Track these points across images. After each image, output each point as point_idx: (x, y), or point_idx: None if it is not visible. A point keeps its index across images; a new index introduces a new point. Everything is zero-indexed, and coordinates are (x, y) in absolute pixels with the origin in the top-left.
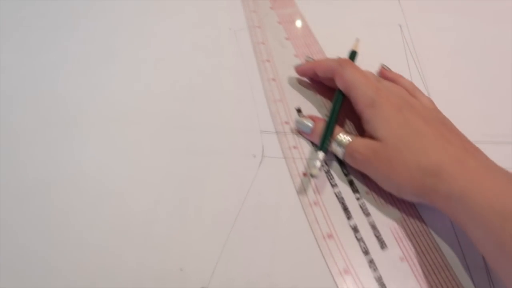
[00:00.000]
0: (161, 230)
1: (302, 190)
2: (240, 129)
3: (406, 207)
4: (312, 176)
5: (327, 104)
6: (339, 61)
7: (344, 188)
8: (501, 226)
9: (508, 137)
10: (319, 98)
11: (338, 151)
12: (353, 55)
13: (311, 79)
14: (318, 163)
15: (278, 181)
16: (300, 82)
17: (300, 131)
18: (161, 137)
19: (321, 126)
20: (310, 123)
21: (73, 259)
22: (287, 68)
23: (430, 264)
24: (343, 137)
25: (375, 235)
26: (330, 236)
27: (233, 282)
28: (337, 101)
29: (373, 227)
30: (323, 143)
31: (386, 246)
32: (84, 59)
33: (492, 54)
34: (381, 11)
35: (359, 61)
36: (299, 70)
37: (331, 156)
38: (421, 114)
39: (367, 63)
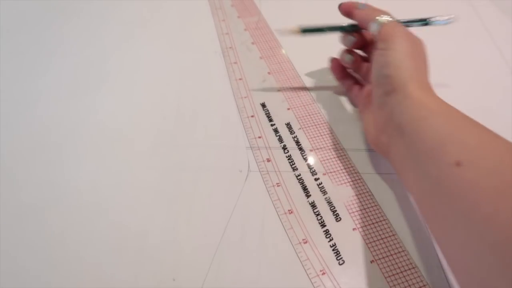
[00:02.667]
0: (154, 243)
1: (266, 173)
2: (227, 145)
3: (359, 185)
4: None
5: (289, 100)
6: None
7: (303, 171)
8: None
9: None
10: (281, 94)
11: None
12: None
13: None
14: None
15: (263, 193)
16: (264, 80)
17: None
18: (152, 155)
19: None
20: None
21: (69, 274)
22: (252, 68)
23: (379, 232)
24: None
25: (331, 209)
26: (290, 211)
27: None
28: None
29: (329, 203)
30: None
31: (340, 218)
32: (76, 83)
33: (459, 68)
34: None
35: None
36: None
37: (293, 144)
38: None
39: None
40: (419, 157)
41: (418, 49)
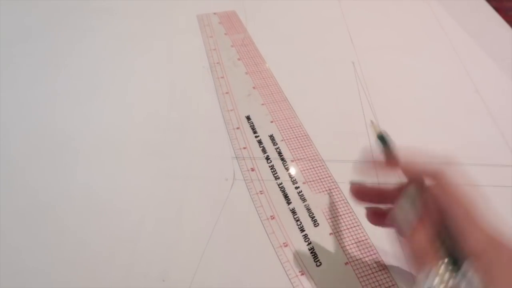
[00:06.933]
0: (145, 246)
1: (250, 182)
2: (214, 155)
3: (335, 194)
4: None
5: (273, 113)
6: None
7: (285, 180)
8: None
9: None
10: (265, 107)
11: None
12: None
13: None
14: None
15: (247, 200)
16: (249, 94)
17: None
18: (143, 163)
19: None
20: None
21: (63, 275)
22: (238, 83)
23: (353, 237)
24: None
25: (310, 216)
26: (272, 217)
27: None
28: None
29: (308, 209)
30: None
31: (318, 224)
32: (72, 93)
33: (430, 86)
34: (336, 49)
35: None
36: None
37: (275, 155)
38: None
39: (324, 97)
40: None
41: None
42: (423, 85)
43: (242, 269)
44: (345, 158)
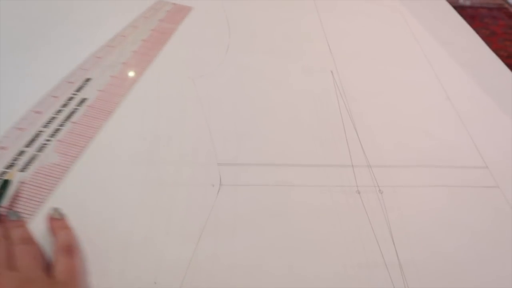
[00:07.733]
0: (137, 251)
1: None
2: (200, 163)
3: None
4: None
5: (109, 87)
6: None
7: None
8: None
9: (415, 161)
10: (110, 79)
11: None
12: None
13: None
14: None
15: (233, 205)
16: (113, 66)
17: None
18: (133, 172)
19: None
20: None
21: None
22: (116, 55)
23: None
24: None
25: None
26: None
27: None
28: None
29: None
30: None
31: None
32: None
33: (404, 93)
34: (316, 59)
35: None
36: None
37: (66, 114)
38: None
39: (304, 105)
40: None
41: None
42: (398, 92)
43: (233, 273)
44: (320, 163)
